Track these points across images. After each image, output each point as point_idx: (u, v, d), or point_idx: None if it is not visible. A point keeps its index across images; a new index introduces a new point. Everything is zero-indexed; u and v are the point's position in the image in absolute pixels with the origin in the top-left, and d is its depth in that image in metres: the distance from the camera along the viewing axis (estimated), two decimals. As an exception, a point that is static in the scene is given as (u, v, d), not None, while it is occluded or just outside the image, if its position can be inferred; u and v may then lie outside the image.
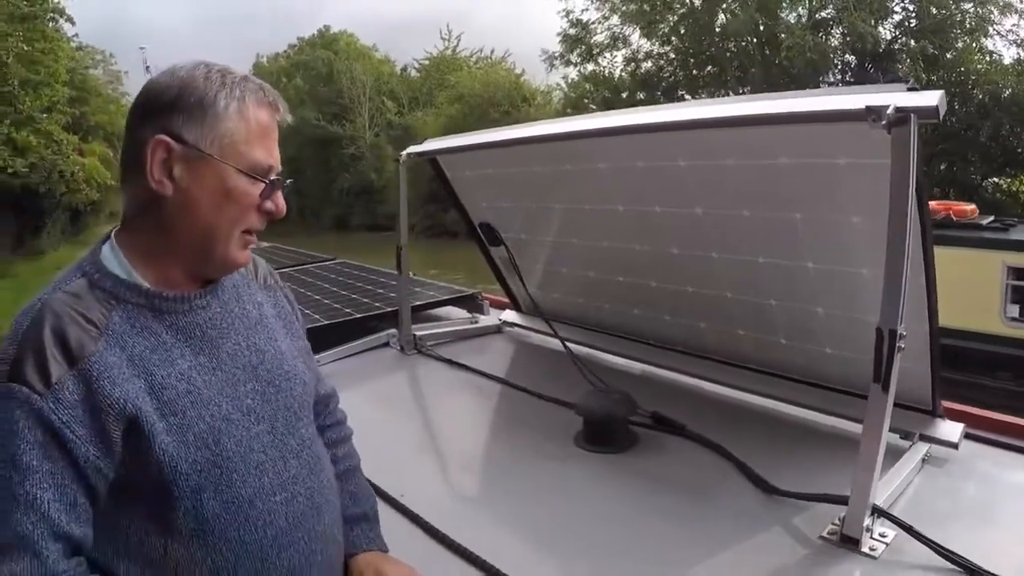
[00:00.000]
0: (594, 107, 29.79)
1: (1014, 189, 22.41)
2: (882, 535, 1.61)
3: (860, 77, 24.19)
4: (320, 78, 44.53)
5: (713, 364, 2.63)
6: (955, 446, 1.98)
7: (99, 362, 1.08)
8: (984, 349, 6.28)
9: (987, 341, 6.31)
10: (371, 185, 39.44)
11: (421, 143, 3.04)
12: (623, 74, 31.73)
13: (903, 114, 1.45)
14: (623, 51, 31.28)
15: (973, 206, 6.73)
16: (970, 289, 6.17)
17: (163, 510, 1.13)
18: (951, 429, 2.02)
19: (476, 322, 3.57)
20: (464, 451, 2.42)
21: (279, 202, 1.24)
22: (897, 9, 24.33)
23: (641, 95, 29.84)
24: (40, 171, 20.31)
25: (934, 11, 22.93)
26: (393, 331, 3.32)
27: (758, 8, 25.25)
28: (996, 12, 22.27)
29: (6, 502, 1.03)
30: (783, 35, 24.93)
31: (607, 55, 31.75)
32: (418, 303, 3.65)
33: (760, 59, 26.51)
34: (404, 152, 3.01)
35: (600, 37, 31.33)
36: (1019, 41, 22.22)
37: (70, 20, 22.54)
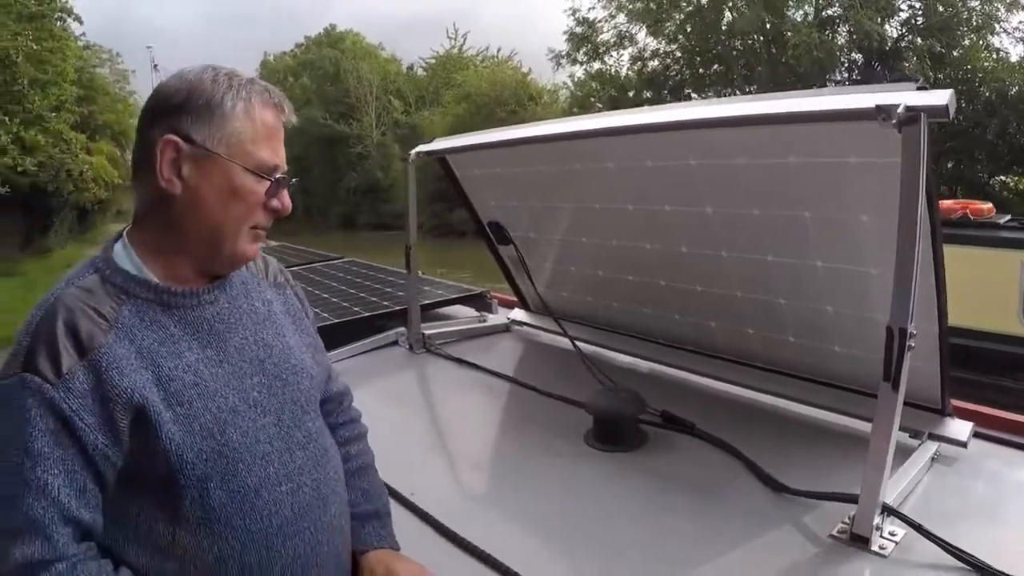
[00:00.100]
0: (600, 106, 29.76)
1: (1021, 187, 22.31)
2: (892, 534, 1.61)
3: (867, 75, 24.13)
4: (327, 77, 44.53)
5: (722, 363, 2.63)
6: (964, 445, 1.98)
7: (108, 353, 1.12)
8: (1002, 350, 6.19)
9: (1005, 342, 6.21)
10: (377, 184, 39.44)
11: (430, 142, 3.04)
12: (629, 73, 31.63)
13: (913, 113, 1.45)
14: (629, 49, 31.18)
15: (990, 205, 6.62)
16: (988, 289, 6.08)
17: (170, 498, 1.17)
18: (960, 428, 2.02)
19: (484, 321, 3.57)
20: (474, 450, 2.43)
21: (285, 200, 1.28)
22: (904, 7, 24.24)
23: (647, 94, 29.77)
24: (48, 170, 20.37)
25: (941, 9, 22.82)
26: (402, 330, 3.33)
27: (765, 6, 25.17)
28: (1003, 9, 22.14)
29: (18, 487, 1.07)
30: (789, 33, 24.82)
31: (613, 53, 31.66)
32: (427, 302, 3.66)
33: (766, 57, 26.43)
34: (413, 151, 3.02)
35: (606, 35, 31.24)
36: (1026, 38, 22.14)
37: (78, 19, 22.57)
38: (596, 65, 32.17)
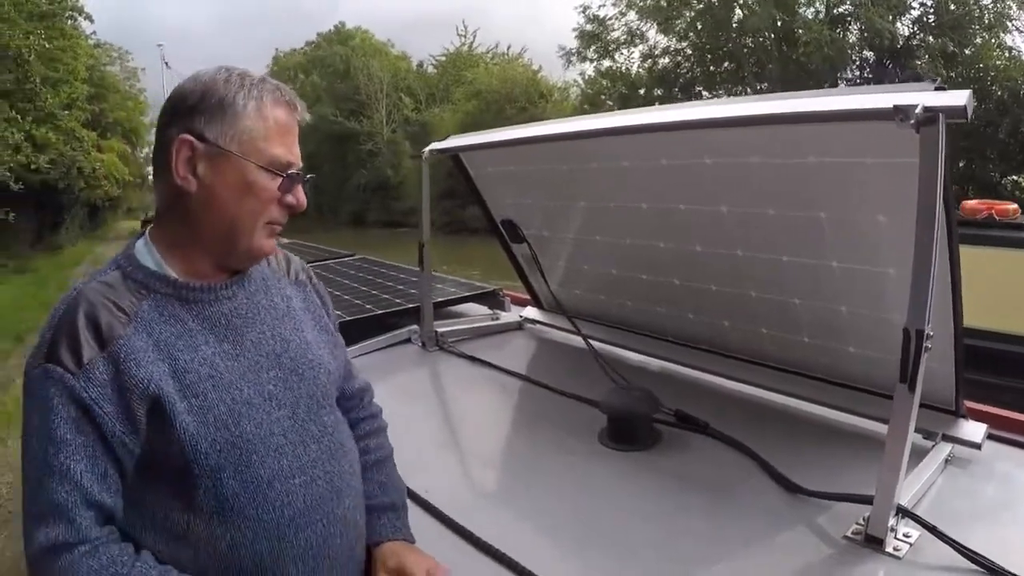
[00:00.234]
0: (611, 103, 29.79)
1: (1033, 187, 22.21)
2: (906, 535, 1.61)
3: (878, 74, 24.06)
4: (337, 74, 44.69)
5: (736, 362, 2.62)
6: (978, 447, 1.97)
7: (127, 345, 1.17)
8: None
9: None
10: (387, 181, 39.55)
11: (443, 139, 3.04)
12: (640, 70, 31.70)
13: (931, 114, 1.44)
14: (640, 47, 31.28)
15: (1015, 206, 6.53)
16: (1014, 291, 5.99)
17: (185, 488, 1.20)
18: (974, 429, 2.00)
19: (497, 319, 3.56)
20: (487, 448, 2.44)
21: (299, 196, 1.32)
22: (915, 5, 24.16)
23: (658, 91, 29.80)
24: (60, 167, 20.45)
25: (952, 7, 22.76)
26: (415, 327, 3.33)
27: (776, 3, 25.11)
28: (1015, 7, 22.07)
29: (42, 472, 1.12)
30: (800, 31, 24.78)
31: (624, 51, 31.73)
32: (439, 299, 3.66)
33: (777, 55, 26.36)
34: (427, 148, 3.01)
35: (617, 33, 31.30)
36: (1038, 37, 22.03)
37: (88, 18, 22.61)
38: (606, 63, 32.23)
